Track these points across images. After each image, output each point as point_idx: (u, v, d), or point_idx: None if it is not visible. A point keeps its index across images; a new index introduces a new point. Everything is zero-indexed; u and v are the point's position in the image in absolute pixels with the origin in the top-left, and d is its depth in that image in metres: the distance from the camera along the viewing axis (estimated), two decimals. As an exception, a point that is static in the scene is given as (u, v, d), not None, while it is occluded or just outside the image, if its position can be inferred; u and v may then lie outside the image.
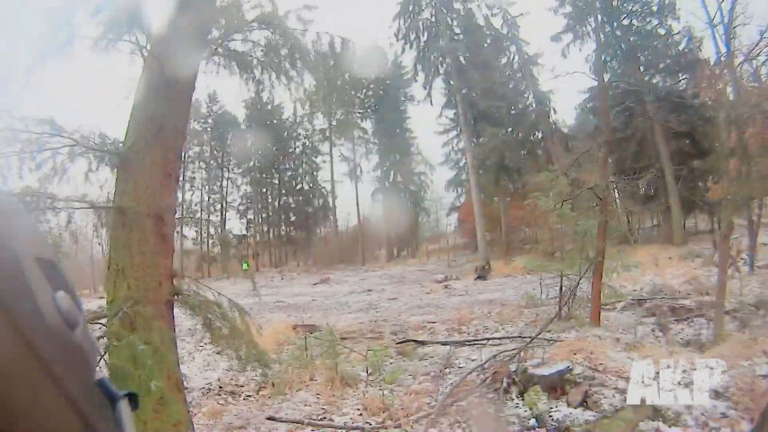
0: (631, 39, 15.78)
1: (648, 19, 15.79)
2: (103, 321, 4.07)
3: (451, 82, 20.17)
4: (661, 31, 15.80)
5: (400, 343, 9.36)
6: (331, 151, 27.90)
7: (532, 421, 5.71)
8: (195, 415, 7.48)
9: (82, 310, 0.38)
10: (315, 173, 30.34)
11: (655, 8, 15.56)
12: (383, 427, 6.29)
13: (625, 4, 15.70)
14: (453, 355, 8.35)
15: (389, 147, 24.97)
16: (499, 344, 8.60)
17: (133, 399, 0.43)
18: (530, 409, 5.86)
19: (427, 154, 25.43)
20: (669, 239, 16.26)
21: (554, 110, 20.13)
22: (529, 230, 21.72)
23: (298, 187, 34.77)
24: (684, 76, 16.04)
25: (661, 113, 15.00)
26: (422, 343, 9.40)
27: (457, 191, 24.81)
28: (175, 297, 4.67)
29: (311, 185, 31.14)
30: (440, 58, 19.93)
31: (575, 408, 5.64)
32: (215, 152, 33.39)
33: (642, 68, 16.50)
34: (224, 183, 35.85)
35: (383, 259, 31.82)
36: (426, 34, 19.55)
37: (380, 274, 22.79)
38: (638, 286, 11.90)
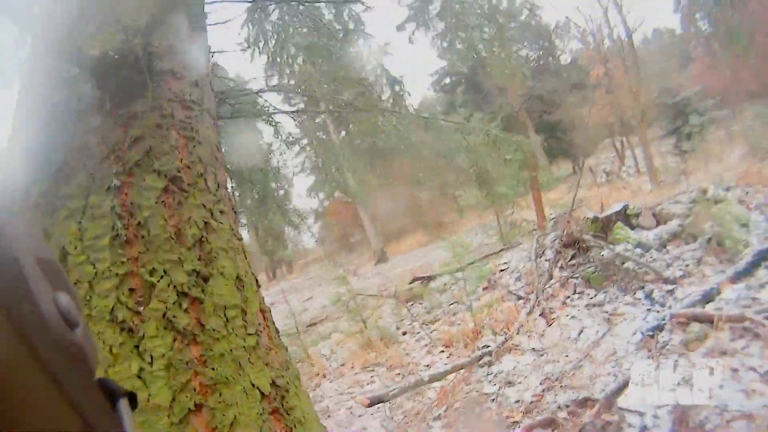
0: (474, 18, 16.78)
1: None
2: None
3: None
4: (502, 7, 17.37)
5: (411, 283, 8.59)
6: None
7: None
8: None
9: (82, 310, 0.36)
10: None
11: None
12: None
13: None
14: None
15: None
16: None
17: (133, 398, 0.40)
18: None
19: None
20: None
21: (408, 93, 20.48)
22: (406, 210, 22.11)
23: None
24: (524, 44, 18.54)
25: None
26: (430, 278, 8.48)
27: (319, 196, 23.39)
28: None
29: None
30: (289, 60, 18.58)
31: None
32: None
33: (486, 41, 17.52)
34: None
35: (264, 281, 27.84)
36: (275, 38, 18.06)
37: (277, 290, 19.49)
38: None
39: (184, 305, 1.78)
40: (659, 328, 3.44)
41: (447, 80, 21.46)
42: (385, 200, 20.84)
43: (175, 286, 1.77)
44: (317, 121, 20.30)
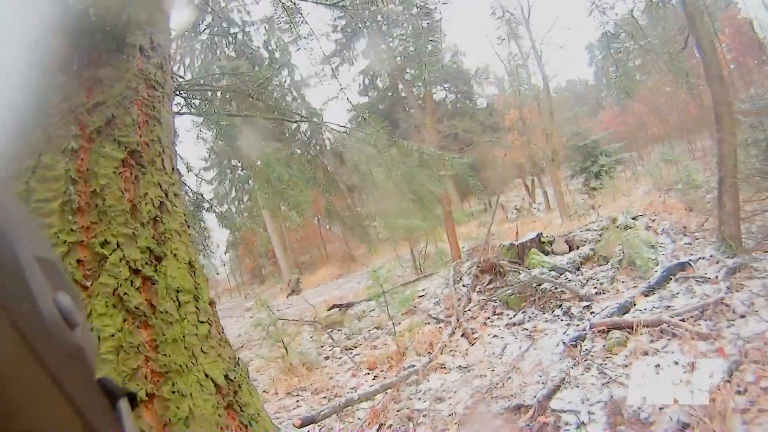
0: (398, 59, 18.03)
1: (413, 41, 17.58)
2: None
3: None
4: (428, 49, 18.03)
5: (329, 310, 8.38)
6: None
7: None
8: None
9: (82, 310, 0.36)
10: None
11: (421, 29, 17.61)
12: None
13: (391, 30, 17.53)
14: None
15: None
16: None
17: (133, 398, 0.41)
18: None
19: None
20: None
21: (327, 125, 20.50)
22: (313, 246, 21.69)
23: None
24: (444, 87, 19.89)
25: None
26: (348, 305, 8.34)
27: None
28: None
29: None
30: (213, 82, 17.90)
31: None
32: None
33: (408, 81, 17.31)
34: None
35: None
36: (201, 58, 17.42)
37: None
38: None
39: (137, 284, 1.63)
40: (581, 338, 3.78)
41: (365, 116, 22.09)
42: (299, 232, 20.52)
43: (127, 262, 1.61)
44: (232, 147, 19.53)
